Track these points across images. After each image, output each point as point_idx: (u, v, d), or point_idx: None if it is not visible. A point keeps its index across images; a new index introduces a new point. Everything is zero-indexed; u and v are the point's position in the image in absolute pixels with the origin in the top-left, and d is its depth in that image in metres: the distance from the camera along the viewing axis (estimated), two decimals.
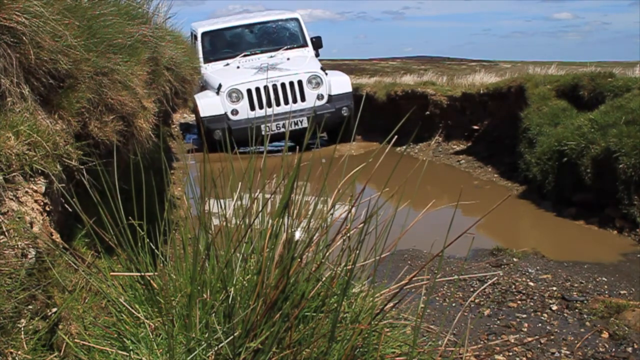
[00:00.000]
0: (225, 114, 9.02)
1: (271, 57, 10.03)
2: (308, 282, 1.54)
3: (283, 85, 9.11)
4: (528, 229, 5.07)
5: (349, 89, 9.45)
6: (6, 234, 1.45)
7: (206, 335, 1.43)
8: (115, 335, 1.52)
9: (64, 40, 2.00)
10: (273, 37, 10.70)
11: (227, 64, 10.03)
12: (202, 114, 8.94)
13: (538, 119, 6.22)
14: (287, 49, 10.35)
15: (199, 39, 10.23)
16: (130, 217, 1.67)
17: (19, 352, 1.30)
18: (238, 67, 9.77)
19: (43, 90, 1.98)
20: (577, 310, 3.13)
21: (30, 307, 1.41)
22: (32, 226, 1.57)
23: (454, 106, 8.99)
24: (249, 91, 9.04)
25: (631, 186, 4.43)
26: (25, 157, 1.66)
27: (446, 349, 1.59)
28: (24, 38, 1.82)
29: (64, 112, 2.07)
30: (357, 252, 1.54)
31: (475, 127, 8.72)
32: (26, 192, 1.64)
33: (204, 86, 9.75)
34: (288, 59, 9.89)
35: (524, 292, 3.42)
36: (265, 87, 9.07)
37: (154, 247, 1.73)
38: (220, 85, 9.12)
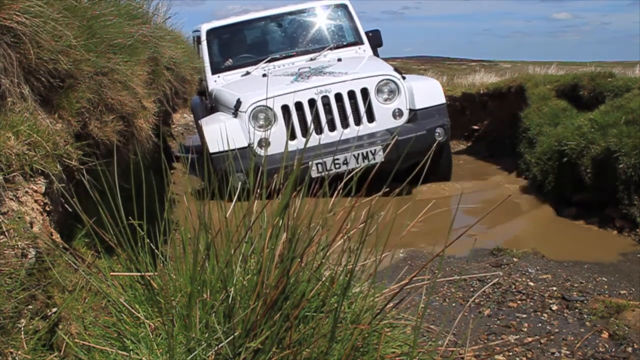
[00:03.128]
0: (250, 146, 5.39)
1: (311, 59, 6.65)
2: (308, 282, 1.54)
3: (339, 97, 5.65)
4: (528, 229, 5.07)
5: (442, 100, 5.90)
6: (6, 234, 1.45)
7: (206, 335, 1.44)
8: (115, 335, 1.52)
9: (64, 40, 2.00)
10: (312, 33, 7.15)
11: (247, 73, 6.60)
12: (211, 149, 5.29)
13: (538, 119, 6.22)
14: (332, 48, 6.84)
15: (204, 40, 6.86)
16: (130, 217, 1.67)
17: (19, 352, 1.30)
18: (264, 76, 6.28)
19: (43, 90, 1.99)
20: (577, 310, 3.13)
21: (30, 307, 1.41)
22: (32, 226, 1.57)
23: (454, 106, 9.00)
24: (285, 109, 5.55)
25: (631, 186, 4.43)
26: (25, 157, 1.66)
27: (446, 349, 1.59)
28: (24, 38, 1.82)
29: (64, 112, 2.07)
30: (358, 252, 1.54)
31: (475, 127, 8.74)
32: (26, 192, 1.64)
33: (214, 106, 6.39)
34: (339, 59, 6.49)
35: (524, 292, 3.42)
36: (312, 102, 5.57)
37: (154, 247, 1.73)
38: (239, 103, 5.62)
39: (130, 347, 1.47)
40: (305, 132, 5.60)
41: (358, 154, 5.48)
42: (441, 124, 5.75)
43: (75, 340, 1.48)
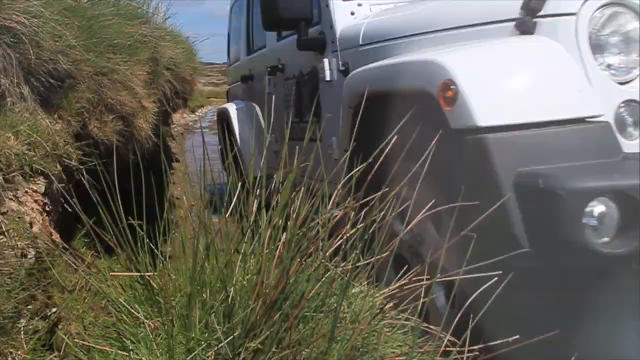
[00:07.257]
0: (605, 124, 1.50)
1: None
2: (308, 282, 1.54)
3: None
4: None
5: None
6: (6, 234, 1.45)
7: (206, 335, 1.44)
8: (115, 335, 1.52)
9: (64, 40, 2.00)
10: None
11: None
12: (482, 120, 1.51)
13: None
14: None
15: None
16: (130, 217, 1.66)
17: (19, 352, 1.30)
18: None
19: (43, 90, 1.99)
20: None
21: (30, 307, 1.42)
22: (32, 226, 1.58)
23: None
24: None
25: None
26: (25, 157, 1.67)
27: (446, 349, 1.59)
28: (24, 38, 1.82)
29: (64, 112, 2.07)
30: (357, 252, 1.54)
31: None
32: (26, 192, 1.64)
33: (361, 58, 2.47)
34: None
35: None
36: None
37: (153, 247, 1.73)
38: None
39: (130, 347, 1.47)
40: None
41: None
42: None
43: (75, 340, 1.48)
